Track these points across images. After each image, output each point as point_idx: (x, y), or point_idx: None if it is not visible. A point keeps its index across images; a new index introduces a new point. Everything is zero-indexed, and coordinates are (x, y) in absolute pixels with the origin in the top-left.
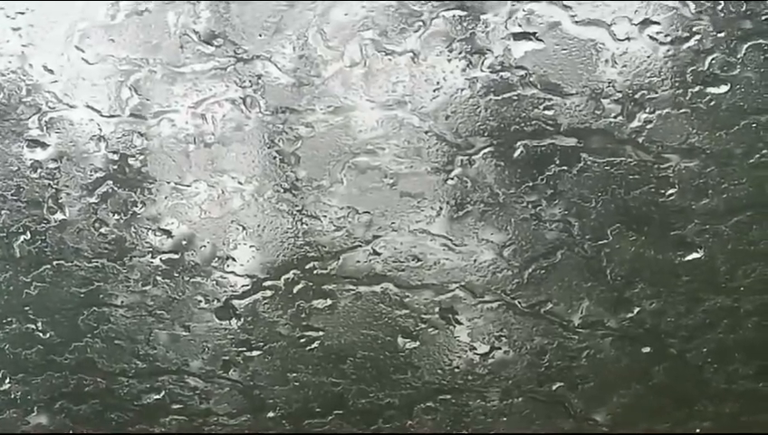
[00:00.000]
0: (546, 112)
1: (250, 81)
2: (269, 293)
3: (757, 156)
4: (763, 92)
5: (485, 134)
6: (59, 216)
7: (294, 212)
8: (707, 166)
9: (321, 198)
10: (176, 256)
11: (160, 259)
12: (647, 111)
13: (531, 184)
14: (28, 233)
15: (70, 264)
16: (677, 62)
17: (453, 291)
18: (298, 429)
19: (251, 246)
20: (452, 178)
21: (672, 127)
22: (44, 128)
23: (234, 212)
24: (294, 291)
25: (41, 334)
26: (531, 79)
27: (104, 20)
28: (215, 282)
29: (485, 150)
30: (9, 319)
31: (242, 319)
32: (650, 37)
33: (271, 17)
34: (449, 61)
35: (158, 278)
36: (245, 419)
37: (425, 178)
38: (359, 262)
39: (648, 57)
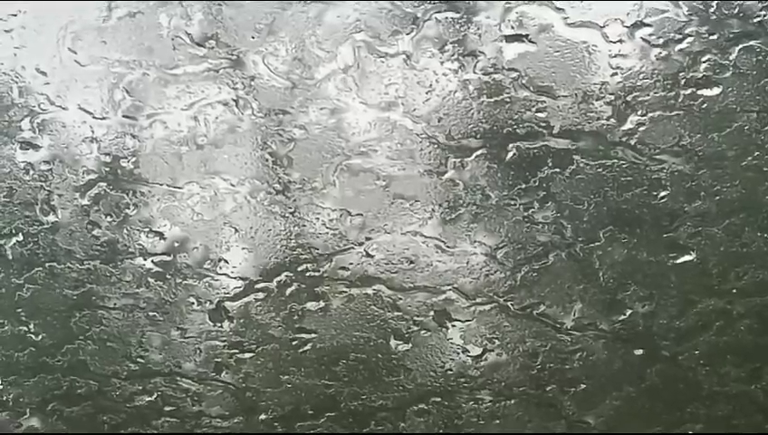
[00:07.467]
0: (538, 114)
1: (243, 83)
2: (261, 295)
3: (749, 158)
4: (756, 94)
5: (478, 136)
6: (51, 218)
7: (287, 214)
8: (700, 168)
9: (313, 200)
10: (168, 259)
11: (152, 261)
12: (639, 113)
13: (523, 186)
14: (20, 235)
15: (62, 266)
16: (669, 65)
17: (445, 293)
18: (290, 430)
19: (243, 248)
20: (445, 181)
21: (664, 129)
22: (37, 130)
23: (226, 214)
24: (287, 293)
25: (33, 336)
26: (523, 81)
27: (96, 22)
28: (207, 284)
29: (478, 153)
30: (1, 321)
31: (234, 321)
32: (642, 39)
33: (263, 19)
34: (442, 63)
35: (151, 280)
36: (238, 421)
37: (417, 180)
38: (351, 264)
39: (640, 59)
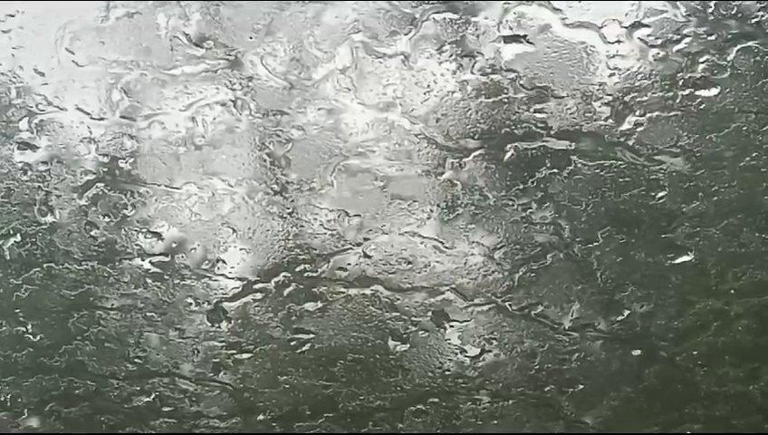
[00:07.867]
0: (537, 115)
1: (240, 83)
2: (259, 295)
3: (747, 159)
4: (754, 95)
5: (476, 137)
6: (49, 218)
7: (285, 215)
8: (698, 169)
9: (311, 201)
10: (166, 259)
11: (150, 262)
12: (637, 113)
13: (521, 187)
14: (18, 235)
15: (60, 266)
16: (667, 65)
17: (443, 294)
18: (288, 431)
19: (241, 249)
20: (443, 181)
21: (662, 130)
22: (35, 130)
23: (224, 215)
24: (285, 293)
25: (31, 337)
26: (521, 82)
27: (95, 22)
28: (205, 284)
29: (476, 153)
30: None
31: (232, 322)
32: (641, 40)
33: (261, 20)
34: (440, 63)
35: (149, 281)
36: (236, 421)
37: (415, 180)
38: (349, 265)
39: (639, 60)
